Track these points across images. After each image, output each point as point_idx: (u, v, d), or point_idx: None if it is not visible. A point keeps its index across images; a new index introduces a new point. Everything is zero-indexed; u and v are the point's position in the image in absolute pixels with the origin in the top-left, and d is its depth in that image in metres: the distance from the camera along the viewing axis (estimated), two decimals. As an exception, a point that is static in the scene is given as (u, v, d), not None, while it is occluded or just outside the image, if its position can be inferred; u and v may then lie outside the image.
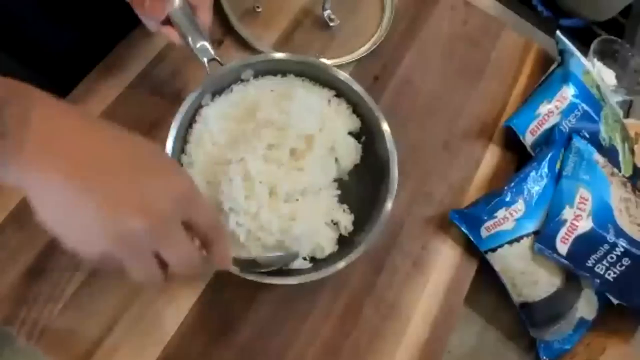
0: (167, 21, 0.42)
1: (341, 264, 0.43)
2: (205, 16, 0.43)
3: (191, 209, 0.30)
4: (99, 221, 0.27)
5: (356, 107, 0.49)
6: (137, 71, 0.51)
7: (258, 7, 0.58)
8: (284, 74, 0.48)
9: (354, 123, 0.49)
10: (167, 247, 0.29)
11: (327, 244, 0.45)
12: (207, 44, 0.43)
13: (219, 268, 0.36)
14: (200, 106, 0.45)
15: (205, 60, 0.43)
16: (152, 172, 0.30)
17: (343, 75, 0.48)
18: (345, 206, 0.48)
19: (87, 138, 0.28)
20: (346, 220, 0.47)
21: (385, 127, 0.47)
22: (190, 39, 0.42)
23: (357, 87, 0.48)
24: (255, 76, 0.48)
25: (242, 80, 0.48)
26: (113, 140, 0.29)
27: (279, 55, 0.48)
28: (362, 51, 0.58)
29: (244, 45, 0.55)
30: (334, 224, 0.47)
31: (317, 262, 0.45)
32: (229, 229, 0.42)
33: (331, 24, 0.58)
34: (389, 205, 0.45)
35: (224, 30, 0.56)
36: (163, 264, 0.30)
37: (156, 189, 0.29)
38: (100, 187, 0.28)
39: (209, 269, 0.34)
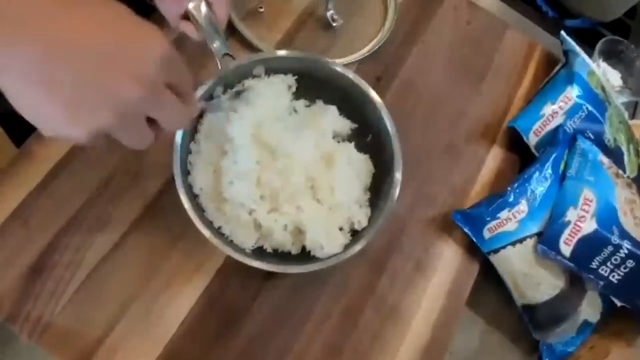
0: (186, 16, 0.43)
1: (344, 256, 0.42)
2: (222, 12, 0.44)
3: (173, 68, 0.30)
4: (86, 93, 0.26)
5: (362, 107, 0.49)
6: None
7: (261, 7, 0.58)
8: (294, 74, 0.49)
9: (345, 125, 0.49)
10: (159, 109, 0.29)
11: (331, 248, 0.45)
12: (222, 39, 0.44)
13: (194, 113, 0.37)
14: (211, 98, 0.46)
15: (219, 54, 0.44)
16: (132, 37, 0.28)
17: (352, 74, 0.48)
18: (365, 203, 0.47)
19: (59, 9, 0.26)
20: (363, 216, 0.46)
21: (385, 115, 0.47)
22: (206, 33, 0.43)
23: (364, 85, 0.48)
24: (267, 73, 0.48)
25: (254, 76, 0.48)
26: (87, 9, 0.27)
27: (290, 53, 0.48)
28: (364, 52, 0.58)
29: (247, 45, 0.56)
30: (350, 228, 0.46)
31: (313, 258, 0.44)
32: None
33: (334, 25, 0.58)
34: (394, 197, 0.45)
35: (227, 30, 0.56)
36: (152, 124, 0.30)
37: (140, 54, 0.28)
38: (84, 56, 0.26)
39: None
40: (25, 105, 0.26)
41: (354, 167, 0.47)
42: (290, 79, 0.49)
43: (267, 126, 0.45)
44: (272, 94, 0.47)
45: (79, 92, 0.26)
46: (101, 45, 0.26)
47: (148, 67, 0.28)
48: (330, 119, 0.48)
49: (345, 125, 0.50)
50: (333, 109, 0.49)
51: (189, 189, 0.43)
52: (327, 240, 0.43)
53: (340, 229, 0.45)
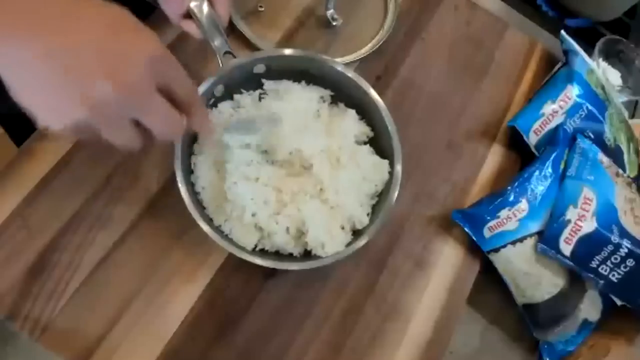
0: (188, 14, 0.44)
1: (345, 253, 0.43)
2: (223, 10, 0.44)
3: (166, 72, 0.30)
4: (68, 88, 0.27)
5: (365, 107, 0.49)
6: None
7: (261, 6, 0.58)
8: (295, 72, 0.49)
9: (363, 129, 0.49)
10: (146, 114, 0.29)
11: (332, 246, 0.45)
12: (223, 38, 0.44)
13: (200, 132, 0.37)
14: (213, 96, 0.46)
15: (220, 53, 0.44)
16: (122, 34, 0.28)
17: (352, 73, 0.48)
18: (367, 202, 0.47)
19: (60, 8, 0.27)
20: (364, 215, 0.46)
21: (383, 108, 0.47)
22: (207, 32, 0.44)
23: (364, 84, 0.48)
24: (268, 73, 0.48)
25: (254, 74, 0.48)
26: (87, 9, 0.28)
27: (290, 51, 0.48)
28: (364, 51, 0.58)
29: (247, 44, 0.56)
30: (351, 227, 0.46)
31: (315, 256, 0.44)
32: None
33: (334, 24, 0.58)
34: (395, 192, 0.45)
35: (227, 29, 0.55)
36: (144, 129, 0.30)
37: (128, 52, 0.28)
38: (67, 48, 0.26)
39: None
40: (21, 94, 0.27)
41: (364, 170, 0.47)
42: (326, 92, 0.49)
43: (288, 130, 0.45)
44: (305, 98, 0.47)
45: (63, 86, 0.27)
46: (92, 44, 0.27)
47: (132, 69, 0.28)
48: (350, 123, 0.48)
49: (363, 130, 0.49)
50: (352, 113, 0.49)
51: (190, 185, 0.43)
52: (329, 239, 0.43)
53: (342, 227, 0.45)
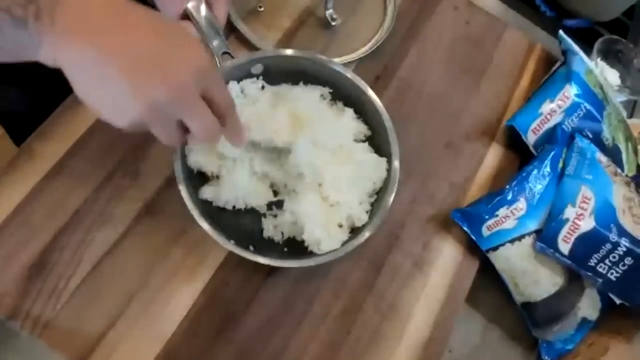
0: (186, 15, 0.44)
1: (342, 251, 0.43)
2: (221, 11, 0.45)
3: (209, 83, 0.33)
4: (128, 90, 0.30)
5: (362, 106, 0.49)
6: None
7: (260, 6, 0.58)
8: (294, 73, 0.49)
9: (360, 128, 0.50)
10: (189, 116, 0.33)
11: (329, 244, 0.45)
12: (221, 38, 0.45)
13: (231, 142, 0.40)
14: None
15: (218, 53, 0.45)
16: (175, 45, 0.32)
17: (350, 73, 0.48)
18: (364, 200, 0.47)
19: (115, 14, 0.31)
20: (362, 213, 0.46)
21: (379, 104, 0.48)
22: (205, 33, 0.44)
23: (361, 83, 0.48)
24: (266, 74, 0.48)
25: (252, 75, 0.48)
26: (139, 15, 0.32)
27: (288, 51, 0.48)
28: (363, 51, 0.58)
29: (247, 44, 0.56)
30: (349, 225, 0.46)
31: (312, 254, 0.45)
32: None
33: (333, 24, 0.58)
34: (393, 190, 0.45)
35: (227, 29, 0.56)
36: (185, 129, 0.34)
37: (178, 60, 0.31)
38: (126, 56, 0.30)
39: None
40: (83, 93, 0.31)
41: (364, 168, 0.47)
42: (325, 90, 0.49)
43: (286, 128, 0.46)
44: (305, 99, 0.48)
45: (120, 88, 0.30)
46: (144, 48, 0.31)
47: (182, 74, 0.31)
48: (348, 122, 0.48)
49: (361, 128, 0.49)
50: (350, 112, 0.49)
51: (189, 182, 0.43)
52: (326, 236, 0.43)
53: (340, 225, 0.45)
